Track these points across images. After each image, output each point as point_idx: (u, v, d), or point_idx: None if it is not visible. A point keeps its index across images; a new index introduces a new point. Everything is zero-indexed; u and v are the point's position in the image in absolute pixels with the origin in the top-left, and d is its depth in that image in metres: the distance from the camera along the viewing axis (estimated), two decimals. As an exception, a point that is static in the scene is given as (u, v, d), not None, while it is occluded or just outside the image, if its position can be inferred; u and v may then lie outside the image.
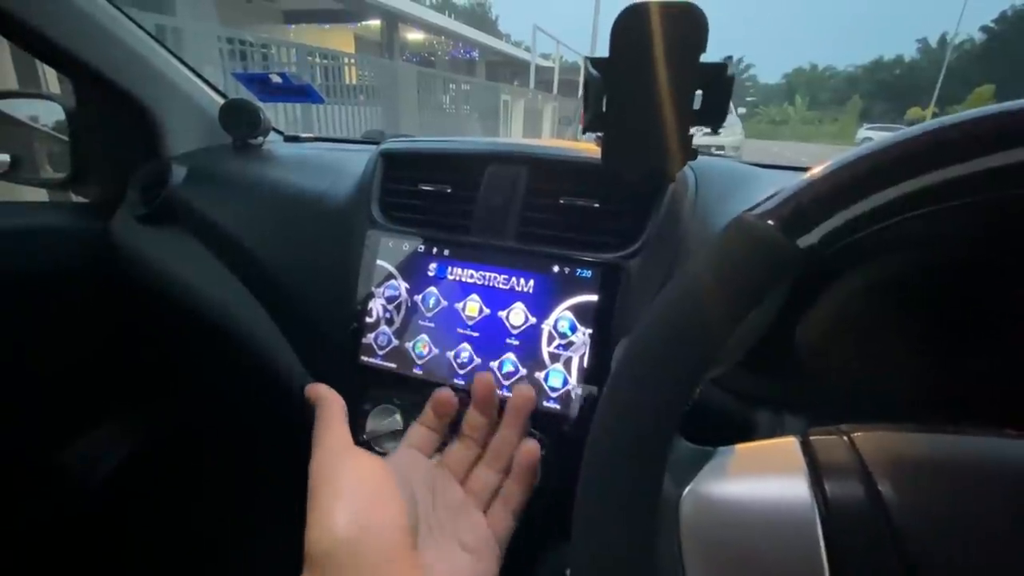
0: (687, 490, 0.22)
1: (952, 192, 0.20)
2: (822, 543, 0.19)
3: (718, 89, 0.35)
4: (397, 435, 0.44)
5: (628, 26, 0.33)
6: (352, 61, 6.37)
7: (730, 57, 0.35)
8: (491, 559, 0.31)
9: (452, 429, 0.37)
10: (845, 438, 0.21)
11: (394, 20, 10.24)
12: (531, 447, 0.34)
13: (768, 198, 0.23)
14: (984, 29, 51.65)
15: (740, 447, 0.23)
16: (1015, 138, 0.19)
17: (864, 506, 0.19)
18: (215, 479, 0.83)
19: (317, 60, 5.70)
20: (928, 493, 0.19)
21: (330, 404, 0.30)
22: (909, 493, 0.19)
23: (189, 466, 0.82)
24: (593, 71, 0.35)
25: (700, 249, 0.23)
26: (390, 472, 0.27)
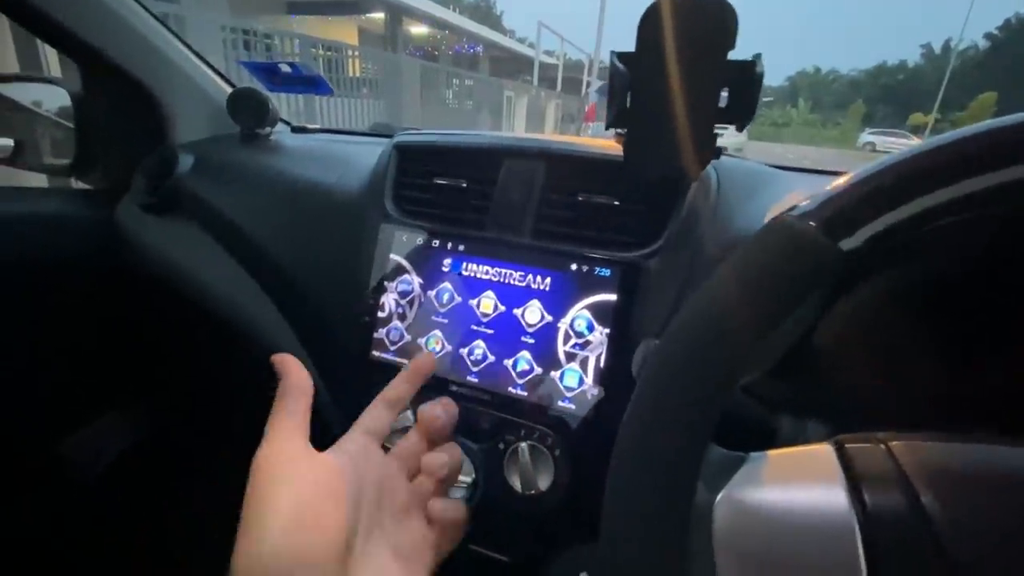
0: (720, 496, 0.21)
1: (1000, 198, 0.20)
2: (861, 552, 0.19)
3: (745, 87, 0.34)
4: (408, 432, 0.44)
5: (655, 20, 0.32)
6: (355, 54, 6.36)
7: (759, 54, 0.35)
8: (421, 568, 0.29)
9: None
10: (882, 446, 0.21)
11: (398, 13, 10.20)
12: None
13: (805, 200, 0.22)
14: (988, 36, 51.69)
15: (773, 453, 0.23)
16: None
17: (905, 516, 0.19)
18: (217, 471, 0.82)
19: (320, 52, 5.68)
20: (971, 504, 0.19)
21: (293, 385, 0.27)
22: (952, 504, 0.19)
23: (192, 457, 0.81)
24: (620, 65, 0.34)
25: (729, 246, 0.23)
26: (338, 476, 0.26)
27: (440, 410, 0.34)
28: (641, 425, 0.22)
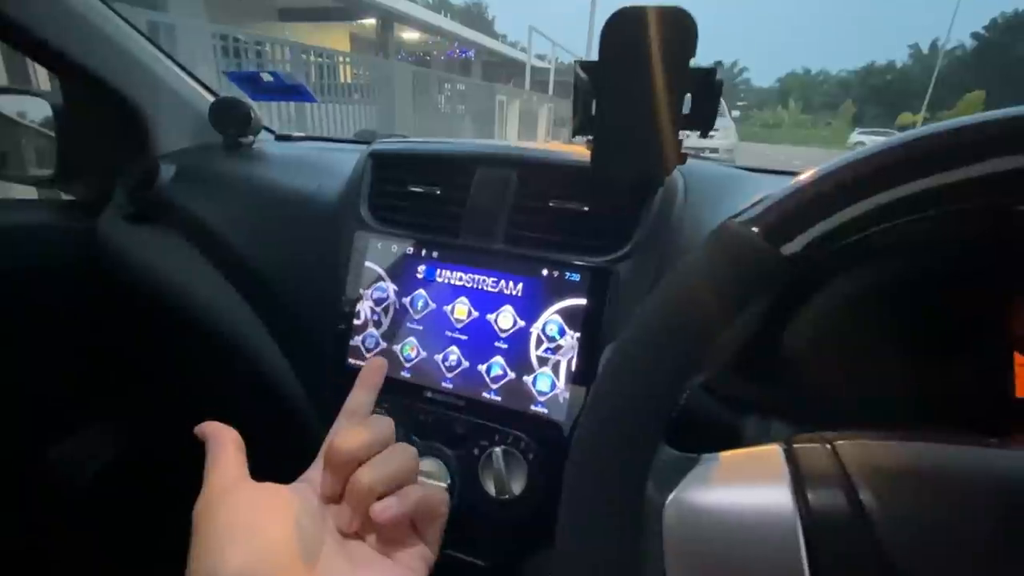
0: (670, 497, 0.22)
1: (929, 202, 0.20)
2: (804, 552, 0.19)
3: (707, 94, 0.35)
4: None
5: (618, 30, 0.33)
6: (347, 60, 6.36)
7: (720, 62, 0.36)
8: (410, 571, 0.28)
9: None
10: (828, 446, 0.21)
11: (390, 19, 10.21)
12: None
13: (753, 205, 0.23)
14: (975, 36, 52.33)
15: (724, 454, 0.23)
16: (993, 148, 0.19)
17: (846, 515, 0.19)
18: (202, 480, 0.82)
19: (312, 58, 5.67)
20: (909, 502, 0.19)
21: (219, 443, 0.27)
22: (890, 502, 0.19)
23: (176, 466, 0.81)
24: (582, 75, 0.35)
25: (685, 255, 0.23)
26: (284, 496, 0.26)
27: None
28: (591, 426, 0.22)
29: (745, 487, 0.21)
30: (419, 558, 0.29)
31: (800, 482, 0.20)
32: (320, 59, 5.76)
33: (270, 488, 0.26)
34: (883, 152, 0.20)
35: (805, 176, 0.22)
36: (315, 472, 0.29)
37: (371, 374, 0.33)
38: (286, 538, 0.24)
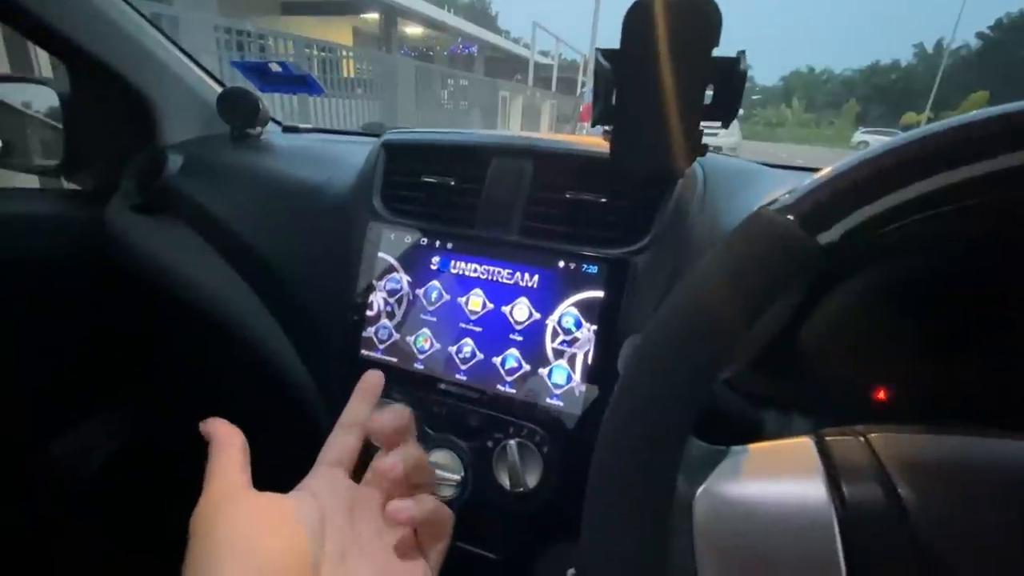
0: (701, 489, 0.21)
1: (973, 191, 0.20)
2: (839, 544, 0.19)
3: (730, 84, 0.34)
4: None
5: (640, 18, 0.32)
6: (350, 54, 6.34)
7: (743, 51, 0.35)
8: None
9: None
10: (861, 439, 0.21)
11: (393, 14, 10.18)
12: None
13: (785, 194, 0.22)
14: (980, 35, 52.09)
15: (754, 447, 0.23)
16: None
17: (882, 507, 0.19)
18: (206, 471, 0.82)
19: (315, 52, 5.66)
20: (946, 496, 0.19)
21: (224, 447, 0.26)
22: (927, 495, 0.19)
23: (182, 458, 0.81)
24: (604, 62, 0.34)
25: (716, 243, 0.23)
26: (285, 509, 0.25)
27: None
28: (621, 419, 0.22)
29: (777, 479, 0.21)
30: None
31: (835, 475, 0.20)
32: (323, 53, 5.75)
33: (271, 499, 0.25)
34: (928, 137, 0.20)
35: (845, 162, 0.21)
36: (314, 481, 0.29)
37: (368, 387, 0.32)
38: (286, 554, 0.23)
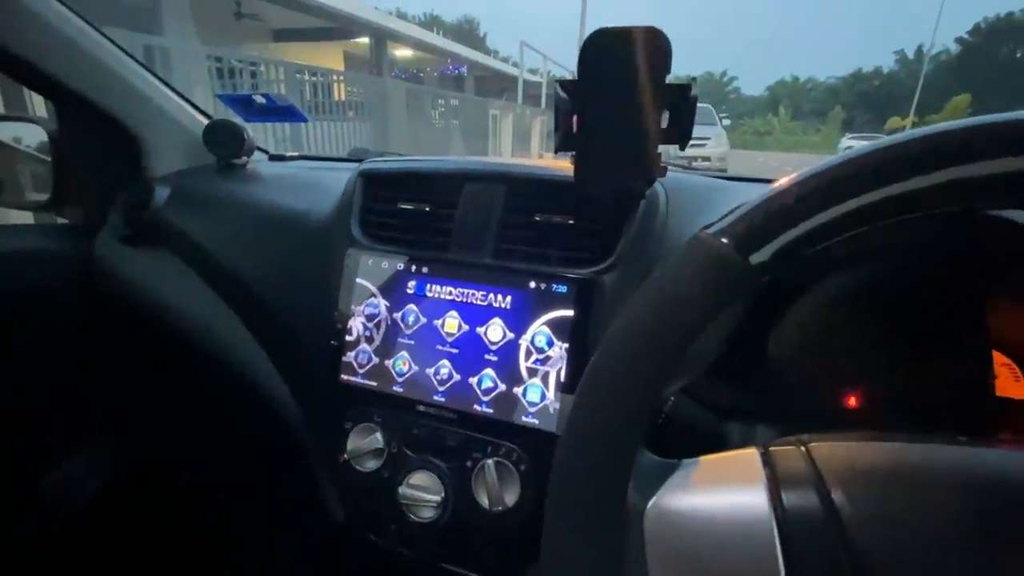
0: (651, 503, 0.22)
1: (895, 208, 0.21)
2: (779, 553, 0.19)
3: (683, 109, 0.36)
4: (379, 453, 0.44)
5: (596, 49, 0.34)
6: (341, 78, 6.42)
7: (694, 78, 0.37)
8: None
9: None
10: (802, 448, 0.22)
11: (383, 37, 10.35)
12: None
13: (724, 216, 0.24)
14: (959, 40, 53.23)
15: (704, 459, 0.24)
16: (951, 157, 0.20)
17: (819, 515, 0.20)
18: (198, 500, 0.82)
19: (306, 77, 5.73)
20: (881, 501, 0.20)
21: None
22: (861, 501, 0.20)
23: (172, 487, 0.80)
24: (562, 93, 0.36)
25: (659, 265, 0.24)
26: None
27: None
28: (573, 436, 0.23)
29: (723, 490, 0.22)
30: None
31: (776, 484, 0.21)
32: (315, 78, 5.82)
33: None
34: (836, 167, 0.21)
35: (776, 186, 0.23)
36: None
37: None
38: None
